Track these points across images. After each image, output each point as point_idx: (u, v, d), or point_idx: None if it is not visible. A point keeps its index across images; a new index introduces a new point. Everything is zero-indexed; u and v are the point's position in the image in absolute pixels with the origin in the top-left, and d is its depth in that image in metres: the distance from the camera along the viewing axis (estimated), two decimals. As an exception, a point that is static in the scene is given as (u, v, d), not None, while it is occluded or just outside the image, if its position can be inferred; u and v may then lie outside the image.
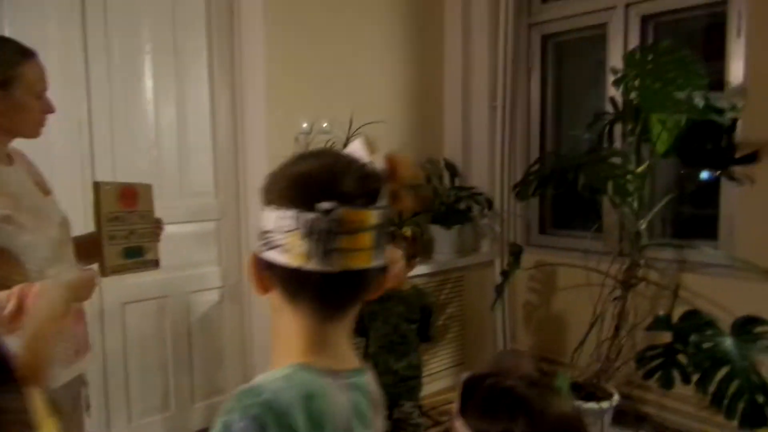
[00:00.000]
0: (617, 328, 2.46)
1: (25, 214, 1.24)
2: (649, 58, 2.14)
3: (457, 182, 3.11)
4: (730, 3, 2.44)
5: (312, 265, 0.64)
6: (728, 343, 1.95)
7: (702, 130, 2.27)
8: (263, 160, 2.50)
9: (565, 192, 2.40)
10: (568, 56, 3.23)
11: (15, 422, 0.44)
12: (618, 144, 2.68)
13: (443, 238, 3.03)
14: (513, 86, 3.14)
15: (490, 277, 3.21)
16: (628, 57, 2.20)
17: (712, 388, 1.90)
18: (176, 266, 2.39)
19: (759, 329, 1.95)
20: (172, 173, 2.41)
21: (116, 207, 1.44)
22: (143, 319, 2.37)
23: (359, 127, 2.69)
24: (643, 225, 2.41)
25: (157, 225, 1.56)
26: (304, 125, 2.60)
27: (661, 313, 2.24)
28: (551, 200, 3.24)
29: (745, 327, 1.97)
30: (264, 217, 0.67)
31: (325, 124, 2.65)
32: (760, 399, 1.84)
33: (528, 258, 2.97)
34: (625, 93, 2.26)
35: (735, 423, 1.88)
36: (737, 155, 2.33)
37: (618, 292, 2.47)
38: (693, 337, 1.98)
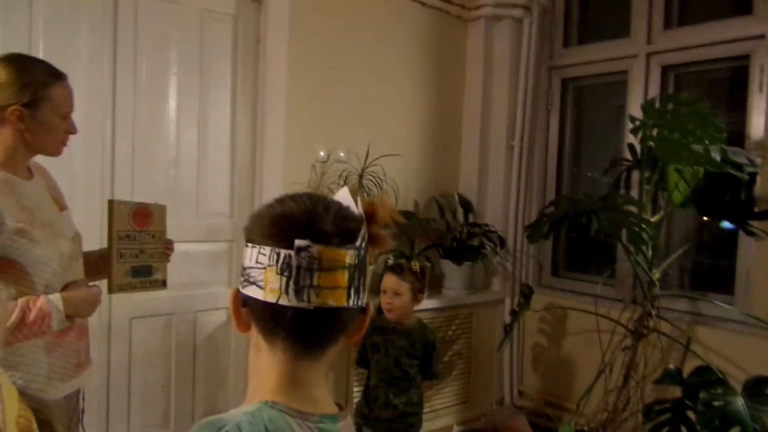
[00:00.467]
0: (626, 378, 2.41)
1: (39, 229, 1.27)
2: (668, 108, 2.14)
3: (470, 218, 3.11)
4: (752, 58, 2.44)
5: (285, 300, 0.66)
6: (739, 403, 1.89)
7: (720, 181, 2.25)
8: (279, 185, 2.53)
9: (578, 236, 2.38)
10: (587, 100, 3.25)
11: None
12: (635, 191, 2.67)
13: (454, 274, 3.01)
14: (531, 127, 3.16)
15: (500, 316, 3.18)
16: (647, 106, 2.21)
17: (720, 449, 1.85)
18: (186, 284, 2.41)
19: (771, 390, 1.90)
20: (189, 193, 2.45)
21: (128, 226, 1.47)
22: (150, 335, 2.38)
23: (375, 159, 2.72)
24: (656, 274, 2.38)
25: (168, 246, 1.58)
26: (321, 154, 2.64)
27: (672, 366, 2.19)
28: (565, 243, 3.22)
29: (757, 387, 1.92)
30: (245, 254, 0.70)
31: (342, 154, 2.69)
32: (770, 464, 1.77)
33: (539, 299, 2.94)
34: (643, 141, 2.26)
35: (743, 487, 1.81)
36: (756, 209, 2.30)
37: (628, 341, 2.43)
38: (703, 395, 1.93)
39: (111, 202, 1.47)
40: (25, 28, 2.02)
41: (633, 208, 2.28)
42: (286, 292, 0.65)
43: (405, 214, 2.89)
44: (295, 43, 2.54)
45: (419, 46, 3.01)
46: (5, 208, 1.23)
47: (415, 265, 2.23)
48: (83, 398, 1.46)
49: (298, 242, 0.65)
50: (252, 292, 0.68)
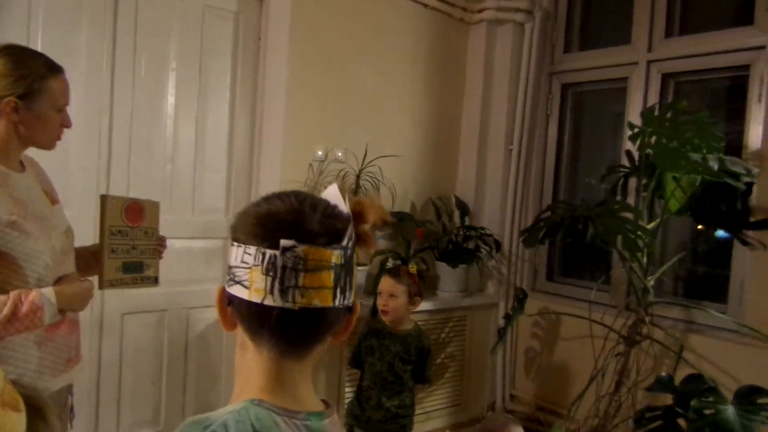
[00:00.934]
0: (618, 385, 2.41)
1: (31, 222, 1.26)
2: (667, 116, 2.15)
3: (467, 221, 3.11)
4: (752, 68, 2.45)
5: (271, 301, 0.65)
6: (730, 411, 1.89)
7: (717, 190, 2.26)
8: (276, 183, 2.52)
9: (574, 241, 2.38)
10: (587, 106, 3.25)
11: None
12: (631, 198, 2.67)
13: (448, 276, 3.01)
14: (530, 131, 3.16)
15: (493, 319, 3.18)
16: (646, 113, 2.21)
17: (710, 457, 1.85)
18: (180, 281, 2.41)
19: (762, 400, 1.90)
20: (185, 189, 2.44)
21: (120, 221, 1.46)
22: (142, 330, 2.37)
23: (373, 159, 2.72)
24: (651, 281, 2.38)
25: (160, 243, 1.57)
26: (319, 153, 2.63)
27: (664, 373, 2.19)
28: (561, 248, 3.22)
29: (748, 396, 1.92)
30: (230, 253, 0.69)
31: (339, 154, 2.68)
32: (760, 473, 1.78)
33: (533, 304, 2.94)
34: (641, 148, 2.26)
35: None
36: (751, 219, 2.30)
37: (621, 348, 2.43)
38: (694, 402, 1.93)
39: (104, 197, 1.46)
40: (24, 22, 2.00)
41: (629, 215, 2.29)
42: (271, 292, 0.65)
43: (401, 215, 2.89)
44: (296, 42, 2.53)
45: (420, 48, 3.01)
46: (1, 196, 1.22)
47: (412, 267, 2.22)
48: (72, 394, 1.45)
49: (283, 242, 0.65)
50: (237, 291, 0.67)
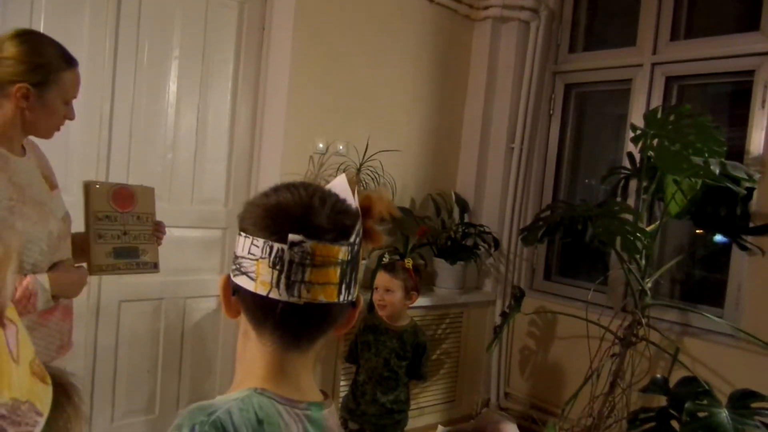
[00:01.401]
0: (612, 385, 2.42)
1: (29, 207, 1.26)
2: (670, 119, 2.14)
3: (466, 218, 3.11)
4: (757, 73, 2.44)
5: (276, 294, 0.65)
6: (724, 415, 1.90)
7: (717, 195, 2.25)
8: (276, 175, 2.52)
9: (573, 241, 2.38)
10: (589, 106, 3.25)
11: None
12: (632, 200, 2.67)
13: (446, 273, 3.01)
14: (532, 130, 3.16)
15: (490, 317, 3.18)
16: (649, 116, 2.21)
17: (702, 460, 1.85)
18: (178, 270, 2.40)
19: (756, 404, 1.90)
20: (185, 178, 2.44)
21: (107, 207, 1.45)
22: (138, 318, 2.37)
23: (374, 154, 2.71)
24: (648, 284, 2.39)
25: (158, 228, 1.57)
26: (320, 145, 2.63)
27: (659, 375, 2.19)
28: (559, 247, 3.22)
29: (742, 401, 1.92)
30: (237, 243, 0.69)
31: (341, 147, 2.68)
32: (751, 477, 1.78)
33: (529, 303, 2.94)
34: (643, 151, 2.26)
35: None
36: (751, 225, 2.31)
37: (617, 349, 2.44)
38: (688, 405, 1.94)
39: (86, 183, 1.45)
40: (27, 8, 1.99)
41: (629, 217, 2.28)
42: (277, 286, 0.65)
43: (401, 210, 2.88)
44: (300, 34, 2.52)
45: (424, 43, 3.00)
46: (1, 180, 1.21)
47: (408, 262, 2.22)
48: None
49: (291, 237, 0.64)
50: (243, 282, 0.67)
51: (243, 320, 0.71)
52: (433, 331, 2.94)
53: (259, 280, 0.66)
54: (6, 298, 0.42)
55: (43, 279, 1.25)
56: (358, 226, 0.69)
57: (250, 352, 0.71)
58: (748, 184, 2.16)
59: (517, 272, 3.20)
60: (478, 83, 3.19)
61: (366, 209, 0.71)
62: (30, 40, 1.26)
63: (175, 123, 2.39)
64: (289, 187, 0.69)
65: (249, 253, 0.67)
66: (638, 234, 2.16)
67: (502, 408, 3.19)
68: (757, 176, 2.19)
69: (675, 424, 2.02)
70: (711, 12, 2.79)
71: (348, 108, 2.73)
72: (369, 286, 2.47)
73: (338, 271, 0.67)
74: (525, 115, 3.13)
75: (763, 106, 2.41)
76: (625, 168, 2.63)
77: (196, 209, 2.48)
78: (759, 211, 2.34)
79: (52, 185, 1.40)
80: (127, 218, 1.48)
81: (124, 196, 1.49)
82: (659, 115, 2.18)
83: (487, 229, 3.07)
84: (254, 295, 0.66)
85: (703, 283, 2.77)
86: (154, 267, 1.55)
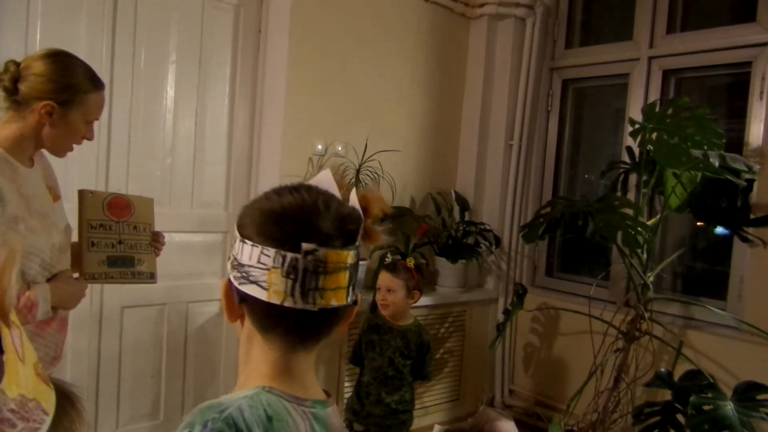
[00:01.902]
0: (617, 380, 2.42)
1: (34, 218, 1.26)
2: (668, 112, 2.14)
3: (466, 216, 3.11)
4: (754, 65, 2.44)
5: (291, 303, 0.65)
6: (729, 407, 1.90)
7: (717, 187, 2.25)
8: (276, 177, 2.52)
9: (574, 237, 2.38)
10: (587, 101, 3.25)
11: None
12: (632, 194, 2.67)
13: (448, 272, 3.01)
14: (531, 127, 3.16)
15: (493, 314, 3.18)
16: (647, 109, 2.21)
17: (709, 453, 1.85)
18: (180, 275, 2.40)
19: (761, 396, 1.90)
20: (184, 182, 2.43)
21: (101, 215, 1.45)
22: (141, 324, 2.36)
23: (373, 154, 2.71)
24: (650, 278, 2.38)
25: (156, 238, 1.56)
26: (319, 147, 2.62)
27: (663, 369, 2.19)
28: (560, 243, 3.22)
29: (747, 393, 1.92)
30: (239, 250, 0.68)
31: (339, 148, 2.68)
32: (758, 469, 1.78)
33: (532, 299, 2.94)
34: (642, 145, 2.25)
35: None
36: (751, 216, 2.30)
37: (620, 344, 2.43)
38: (693, 398, 1.94)
39: (81, 192, 1.46)
40: (23, 12, 1.99)
41: (629, 211, 2.28)
42: (292, 294, 0.65)
43: (401, 210, 2.88)
44: (296, 35, 2.52)
45: (421, 42, 3.00)
46: (8, 191, 1.21)
47: (410, 262, 2.22)
48: None
49: (305, 246, 0.64)
50: (253, 291, 0.66)
51: (247, 323, 0.71)
52: (436, 330, 2.94)
53: (272, 289, 0.65)
54: (12, 299, 0.42)
55: (45, 289, 1.25)
56: (361, 229, 0.70)
57: (255, 353, 0.71)
58: (747, 176, 2.15)
59: (518, 269, 3.20)
60: (475, 81, 3.19)
61: (364, 209, 0.72)
62: (61, 60, 1.29)
63: (173, 127, 2.38)
64: (290, 190, 0.69)
65: (258, 262, 0.66)
66: (639, 228, 2.16)
67: (507, 405, 3.18)
68: (756, 168, 2.19)
69: (680, 417, 2.02)
70: (707, 4, 2.80)
71: (346, 109, 2.73)
72: (371, 286, 2.47)
73: (347, 275, 0.68)
74: (523, 111, 3.13)
75: (761, 98, 2.41)
76: (624, 162, 2.63)
77: (196, 213, 2.48)
78: (759, 202, 2.34)
79: (56, 196, 1.40)
80: (122, 227, 1.48)
81: (120, 205, 1.48)
82: (657, 109, 2.18)
83: (487, 227, 3.07)
84: (267, 304, 0.66)
85: (705, 276, 2.77)
86: (151, 277, 1.54)
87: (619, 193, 2.61)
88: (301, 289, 0.65)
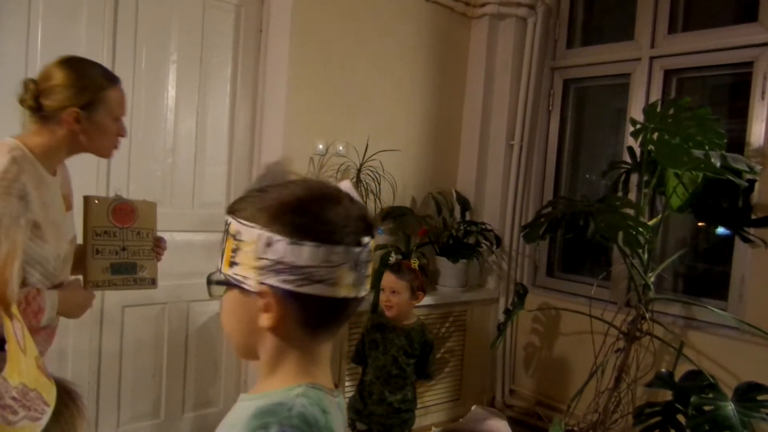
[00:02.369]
0: (618, 381, 2.41)
1: (48, 227, 1.26)
2: (670, 112, 2.14)
3: (467, 216, 3.11)
4: (756, 65, 2.44)
5: (355, 293, 0.70)
6: (730, 408, 1.89)
7: (719, 187, 2.25)
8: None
9: (575, 237, 2.38)
10: (589, 101, 3.24)
11: None
12: (633, 194, 2.67)
13: (449, 271, 3.01)
14: (532, 126, 3.15)
15: (494, 314, 3.18)
16: (649, 110, 2.20)
17: (709, 454, 1.85)
18: (181, 274, 2.40)
19: (762, 397, 1.90)
20: (185, 182, 2.44)
21: (106, 222, 1.45)
22: (142, 323, 2.37)
23: (374, 154, 2.71)
24: (651, 278, 2.38)
25: (158, 244, 1.56)
26: (320, 146, 2.62)
27: (664, 369, 2.19)
28: (561, 243, 3.22)
29: (748, 393, 1.92)
30: (299, 253, 0.66)
31: (340, 148, 2.68)
32: (759, 470, 1.78)
33: (533, 299, 2.94)
34: (643, 145, 2.25)
35: (731, 492, 1.82)
36: (753, 217, 2.30)
37: (621, 344, 2.43)
38: (694, 399, 1.93)
39: (86, 198, 1.46)
40: (24, 14, 1.99)
41: (630, 211, 2.28)
42: (355, 285, 0.70)
43: (402, 210, 2.88)
44: (297, 35, 2.52)
45: (422, 42, 3.00)
46: (34, 198, 1.22)
47: (414, 262, 2.22)
48: None
49: (365, 239, 0.69)
50: (318, 290, 0.66)
51: (283, 325, 0.68)
52: (437, 330, 2.94)
53: (342, 284, 0.68)
54: (14, 292, 0.43)
55: (53, 296, 1.25)
56: None
57: (292, 351, 0.71)
58: (749, 176, 2.15)
59: (519, 269, 3.20)
60: (476, 81, 3.18)
61: None
62: (72, 64, 1.30)
63: (174, 127, 2.38)
64: (321, 186, 0.71)
65: (324, 261, 0.66)
66: (640, 228, 2.16)
67: (508, 405, 3.19)
68: (758, 168, 2.18)
69: (681, 418, 2.02)
70: (709, 4, 2.79)
71: (347, 108, 2.73)
72: (373, 286, 2.47)
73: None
74: (524, 111, 3.13)
75: (762, 98, 2.40)
76: (625, 162, 2.63)
77: (198, 213, 2.48)
78: (761, 202, 2.34)
79: (69, 205, 1.41)
80: (126, 234, 1.48)
81: (124, 211, 1.49)
82: (659, 109, 2.18)
83: (488, 227, 3.07)
84: (331, 300, 0.68)
85: (706, 276, 2.77)
86: (152, 283, 1.54)
87: (620, 193, 2.61)
88: (361, 279, 0.70)
